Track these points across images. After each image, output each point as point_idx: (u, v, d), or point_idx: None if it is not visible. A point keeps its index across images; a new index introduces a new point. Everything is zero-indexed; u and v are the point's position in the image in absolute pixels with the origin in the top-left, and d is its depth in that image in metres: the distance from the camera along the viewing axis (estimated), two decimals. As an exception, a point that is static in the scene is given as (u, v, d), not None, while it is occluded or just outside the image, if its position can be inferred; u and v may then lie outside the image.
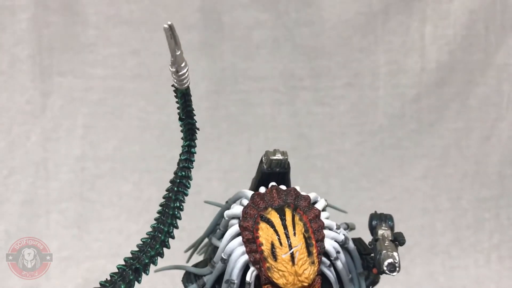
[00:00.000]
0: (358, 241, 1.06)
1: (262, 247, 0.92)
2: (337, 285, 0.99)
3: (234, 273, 0.95)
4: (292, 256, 0.91)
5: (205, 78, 2.12)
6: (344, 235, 1.00)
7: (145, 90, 2.13)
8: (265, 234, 0.93)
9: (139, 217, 2.11)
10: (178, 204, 0.98)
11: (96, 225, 2.12)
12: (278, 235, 0.92)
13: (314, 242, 0.93)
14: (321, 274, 0.96)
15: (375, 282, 1.06)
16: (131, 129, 2.13)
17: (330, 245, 0.97)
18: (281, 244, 0.92)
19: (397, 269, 0.91)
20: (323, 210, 1.01)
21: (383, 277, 1.98)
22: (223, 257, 0.97)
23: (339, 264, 0.98)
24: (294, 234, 0.93)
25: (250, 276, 0.94)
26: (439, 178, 2.19)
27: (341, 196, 2.14)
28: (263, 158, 1.05)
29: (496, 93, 2.18)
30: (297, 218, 0.94)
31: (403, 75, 2.17)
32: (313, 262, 0.92)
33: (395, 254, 0.91)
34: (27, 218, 2.09)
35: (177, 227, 0.98)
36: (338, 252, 0.98)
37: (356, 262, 1.01)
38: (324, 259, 0.96)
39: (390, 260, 0.90)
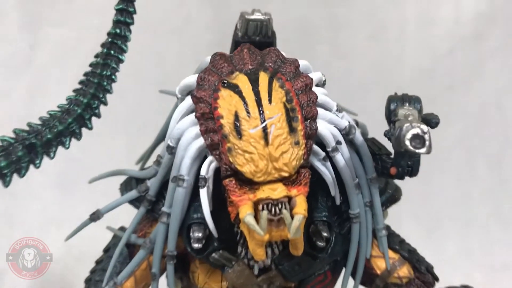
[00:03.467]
0: (371, 141, 0.75)
1: (222, 121, 0.62)
2: (336, 189, 0.67)
3: (183, 165, 0.65)
4: (265, 131, 0.60)
5: (209, 29, 1.86)
6: (348, 121, 0.69)
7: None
8: (227, 103, 0.63)
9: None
10: (107, 72, 0.69)
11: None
12: (245, 102, 0.62)
13: (300, 117, 0.62)
14: (311, 168, 0.65)
15: (395, 198, 0.74)
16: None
17: (326, 128, 0.66)
18: (248, 114, 0.61)
19: (426, 142, 0.59)
20: (321, 85, 0.70)
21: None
22: (170, 144, 0.67)
23: (339, 159, 0.67)
24: (270, 102, 0.62)
25: (206, 168, 0.64)
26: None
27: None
28: (238, 22, 0.76)
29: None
30: (276, 84, 0.64)
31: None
32: (297, 143, 0.61)
33: (423, 126, 0.59)
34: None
35: (105, 103, 0.70)
36: (338, 143, 0.66)
37: (366, 162, 0.70)
38: (316, 148, 0.66)
39: (415, 131, 0.59)
